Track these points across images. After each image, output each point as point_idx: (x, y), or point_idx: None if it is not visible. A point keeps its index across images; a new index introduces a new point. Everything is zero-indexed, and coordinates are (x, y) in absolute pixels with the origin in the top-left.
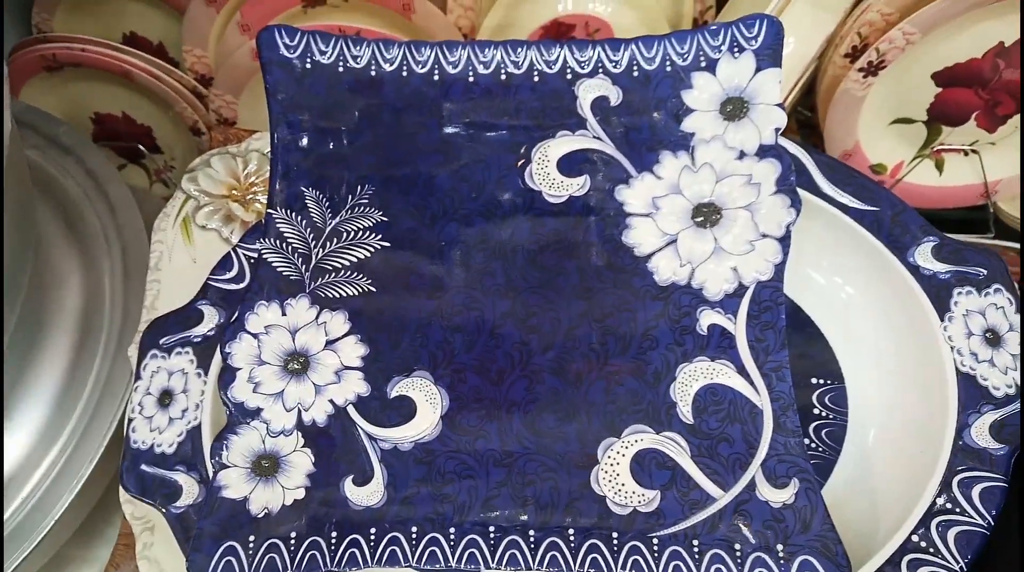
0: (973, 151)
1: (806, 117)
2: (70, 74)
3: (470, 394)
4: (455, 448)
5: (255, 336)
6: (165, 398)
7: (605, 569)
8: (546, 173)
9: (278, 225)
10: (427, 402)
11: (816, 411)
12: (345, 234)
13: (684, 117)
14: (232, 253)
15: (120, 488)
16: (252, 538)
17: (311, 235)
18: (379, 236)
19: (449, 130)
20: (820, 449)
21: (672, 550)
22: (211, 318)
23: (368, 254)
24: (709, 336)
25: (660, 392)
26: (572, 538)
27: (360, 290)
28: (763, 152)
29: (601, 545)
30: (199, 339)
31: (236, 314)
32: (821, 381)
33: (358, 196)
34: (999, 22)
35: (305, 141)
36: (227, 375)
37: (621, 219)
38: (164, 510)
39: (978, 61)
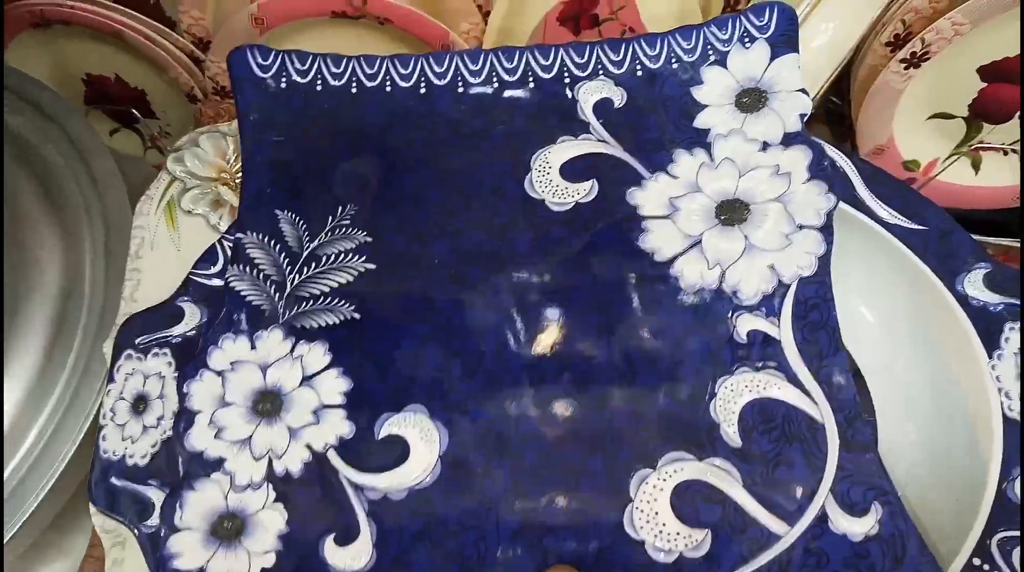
0: (1013, 151)
1: (836, 105)
2: (60, 32)
3: (474, 429)
4: (458, 494)
5: (219, 373)
6: (139, 404)
7: None
8: (548, 180)
9: (248, 250)
10: (422, 441)
11: None
12: (325, 258)
13: (696, 114)
14: (217, 245)
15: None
16: None
17: (285, 261)
18: (363, 258)
19: (438, 141)
20: None
21: None
22: (192, 317)
23: (351, 278)
24: (750, 343)
25: (699, 412)
26: None
27: (342, 318)
28: (789, 140)
29: None
30: (178, 340)
31: (199, 350)
32: None
33: (339, 217)
34: None
35: (280, 162)
36: (184, 419)
37: (636, 224)
38: (134, 528)
39: None
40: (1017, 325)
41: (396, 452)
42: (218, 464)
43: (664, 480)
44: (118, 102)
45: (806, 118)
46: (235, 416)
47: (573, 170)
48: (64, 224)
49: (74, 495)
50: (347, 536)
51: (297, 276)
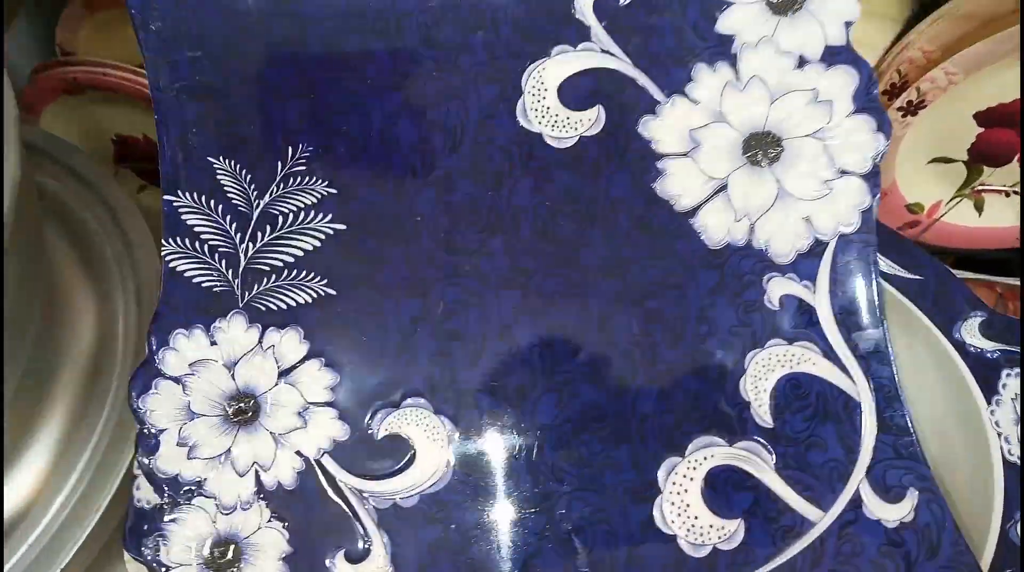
0: (1015, 192)
1: None
2: (91, 97)
3: (485, 422)
4: (475, 496)
5: (178, 380)
6: None
7: None
8: (544, 107)
9: (184, 217)
10: (429, 439)
11: None
12: (282, 218)
13: (720, 14)
14: None
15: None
16: None
17: (234, 225)
18: (328, 216)
19: (406, 56)
20: None
21: None
22: None
23: (318, 243)
24: (782, 311)
25: (728, 391)
26: None
27: (314, 295)
28: (831, 57)
29: None
30: None
31: (146, 352)
32: None
33: (291, 161)
34: None
35: (203, 91)
36: (147, 441)
37: (651, 163)
38: None
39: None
40: (1014, 371)
41: (400, 453)
42: (198, 486)
43: (694, 468)
44: (146, 160)
45: (852, 26)
46: (207, 428)
47: (574, 92)
48: (99, 283)
49: (103, 547)
50: (360, 550)
51: (251, 244)
